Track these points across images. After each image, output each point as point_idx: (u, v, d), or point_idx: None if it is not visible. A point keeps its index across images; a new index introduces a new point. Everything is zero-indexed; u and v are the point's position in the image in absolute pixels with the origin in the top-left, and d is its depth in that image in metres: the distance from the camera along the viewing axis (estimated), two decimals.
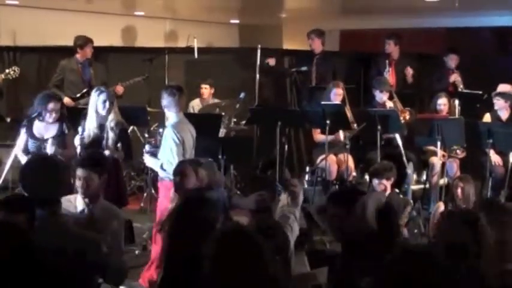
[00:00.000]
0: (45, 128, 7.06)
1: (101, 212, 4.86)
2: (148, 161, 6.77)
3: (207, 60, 11.16)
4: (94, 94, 7.19)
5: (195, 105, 10.21)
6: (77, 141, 7.01)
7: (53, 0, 10.28)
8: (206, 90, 10.26)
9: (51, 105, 7.03)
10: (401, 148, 8.54)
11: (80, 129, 7.05)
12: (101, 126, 7.14)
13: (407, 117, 9.15)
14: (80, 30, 9.54)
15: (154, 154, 6.76)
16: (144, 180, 9.52)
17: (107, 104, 7.08)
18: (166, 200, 6.12)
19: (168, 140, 6.44)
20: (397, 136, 8.65)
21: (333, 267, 3.92)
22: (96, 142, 7.09)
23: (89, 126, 7.10)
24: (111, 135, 7.12)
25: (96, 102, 7.11)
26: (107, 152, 6.94)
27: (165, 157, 6.46)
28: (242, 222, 4.67)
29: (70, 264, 3.64)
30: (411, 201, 8.34)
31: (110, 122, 7.14)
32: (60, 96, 8.74)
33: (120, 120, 7.24)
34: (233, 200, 5.31)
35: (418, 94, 10.67)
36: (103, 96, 7.12)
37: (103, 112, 7.08)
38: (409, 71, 10.33)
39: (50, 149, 6.92)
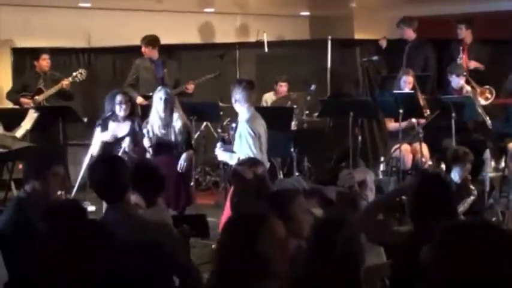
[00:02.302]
0: (119, 127, 7.23)
1: None
2: (222, 155, 6.78)
3: (278, 53, 11.18)
4: (155, 95, 7.33)
5: (268, 98, 10.22)
6: (146, 143, 7.11)
7: (125, 0, 10.44)
8: (284, 88, 10.23)
9: (119, 98, 7.19)
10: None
11: (145, 130, 7.17)
12: (165, 127, 7.27)
13: (489, 96, 9.00)
14: (151, 29, 9.68)
15: (227, 150, 6.81)
16: (219, 175, 9.62)
17: (164, 101, 7.20)
18: None
19: (245, 134, 6.40)
20: (486, 118, 8.58)
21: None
22: (164, 145, 7.21)
23: (153, 127, 7.23)
24: (178, 138, 7.24)
25: (156, 102, 7.24)
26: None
27: (241, 152, 6.45)
28: (316, 213, 4.68)
29: (147, 258, 3.71)
30: (475, 192, 8.14)
31: (176, 123, 7.26)
32: (128, 91, 8.95)
33: (186, 122, 7.36)
34: (315, 187, 5.27)
35: (492, 79, 10.41)
36: (160, 94, 7.24)
37: (161, 110, 7.19)
38: (475, 64, 10.08)
39: (127, 146, 7.09)
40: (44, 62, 9.35)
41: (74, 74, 9.19)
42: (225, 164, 7.78)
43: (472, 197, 7.05)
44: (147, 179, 4.64)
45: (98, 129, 7.32)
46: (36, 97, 9.12)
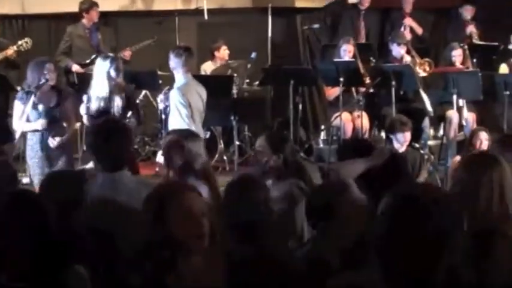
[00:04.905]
0: (45, 98, 6.90)
1: None
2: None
3: (219, 21, 11.03)
4: (104, 62, 7.03)
5: (207, 68, 10.06)
6: (82, 110, 6.90)
7: None
8: (226, 51, 10.08)
9: (48, 66, 6.87)
10: (427, 103, 8.54)
11: (85, 97, 6.94)
12: (110, 95, 7.08)
13: (427, 68, 9.06)
14: None
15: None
16: (158, 145, 9.48)
17: (120, 70, 7.01)
18: None
19: (175, 103, 6.35)
20: (421, 91, 8.63)
21: None
22: (105, 110, 7.01)
23: (99, 94, 6.97)
24: (118, 101, 7.05)
25: (109, 70, 6.97)
26: None
27: (173, 121, 6.36)
28: None
29: None
30: (432, 156, 8.28)
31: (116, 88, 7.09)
32: (62, 60, 8.73)
33: (126, 85, 7.17)
34: None
35: (433, 48, 10.49)
36: (116, 63, 7.01)
37: (118, 79, 6.99)
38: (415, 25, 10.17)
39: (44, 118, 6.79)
40: None
41: (20, 42, 8.93)
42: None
43: (429, 163, 7.13)
44: None
45: (18, 102, 6.92)
46: None
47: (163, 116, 9.03)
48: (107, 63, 6.95)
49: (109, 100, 6.96)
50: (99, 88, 6.91)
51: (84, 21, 9.32)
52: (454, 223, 2.29)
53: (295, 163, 4.67)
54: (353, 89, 8.85)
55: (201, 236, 2.75)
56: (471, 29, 9.95)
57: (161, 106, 8.99)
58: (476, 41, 9.77)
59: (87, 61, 9.09)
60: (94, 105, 6.90)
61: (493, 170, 3.14)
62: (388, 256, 2.24)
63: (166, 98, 7.44)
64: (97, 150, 3.96)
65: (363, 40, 10.19)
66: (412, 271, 2.21)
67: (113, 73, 6.91)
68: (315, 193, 3.53)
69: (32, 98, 6.70)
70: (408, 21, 10.12)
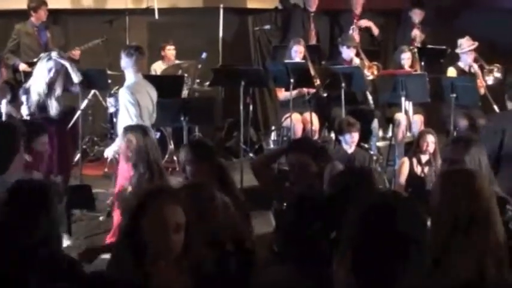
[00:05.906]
0: (1, 94, 6.93)
1: None
2: (110, 150, 6.68)
3: (170, 21, 10.98)
4: (43, 59, 7.09)
5: (157, 68, 10.03)
6: (24, 110, 6.91)
7: None
8: (171, 51, 10.07)
9: (3, 61, 6.95)
10: (372, 104, 8.63)
11: (24, 98, 6.95)
12: (49, 92, 7.09)
13: (375, 72, 9.16)
14: None
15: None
16: (107, 145, 9.40)
17: (52, 73, 7.00)
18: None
19: (124, 102, 6.34)
20: (368, 93, 8.72)
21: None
22: (42, 108, 7.03)
23: (37, 91, 6.99)
24: (55, 104, 7.07)
25: (42, 69, 7.03)
26: None
27: (121, 120, 6.35)
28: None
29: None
30: (380, 157, 8.37)
31: (57, 91, 7.11)
32: (9, 58, 8.62)
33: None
34: None
35: (383, 50, 10.60)
36: (49, 65, 7.04)
37: (46, 79, 7.02)
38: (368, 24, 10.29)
39: (4, 108, 6.81)
40: None
41: None
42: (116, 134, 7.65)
43: (377, 164, 7.22)
44: None
45: None
46: None
47: (114, 119, 8.96)
48: (44, 61, 7.03)
49: (46, 97, 7.02)
50: (38, 85, 6.99)
51: (32, 19, 9.18)
52: (420, 228, 2.35)
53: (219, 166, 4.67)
54: (304, 90, 8.89)
55: (168, 249, 2.76)
56: (416, 32, 10.07)
57: (111, 110, 8.87)
58: (418, 44, 9.87)
59: (35, 60, 8.97)
60: (35, 102, 6.95)
61: (469, 185, 3.23)
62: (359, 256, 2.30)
63: (116, 100, 7.42)
64: None
65: (313, 42, 10.24)
66: (379, 273, 2.26)
67: (45, 73, 6.96)
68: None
69: None
70: (364, 23, 10.21)
